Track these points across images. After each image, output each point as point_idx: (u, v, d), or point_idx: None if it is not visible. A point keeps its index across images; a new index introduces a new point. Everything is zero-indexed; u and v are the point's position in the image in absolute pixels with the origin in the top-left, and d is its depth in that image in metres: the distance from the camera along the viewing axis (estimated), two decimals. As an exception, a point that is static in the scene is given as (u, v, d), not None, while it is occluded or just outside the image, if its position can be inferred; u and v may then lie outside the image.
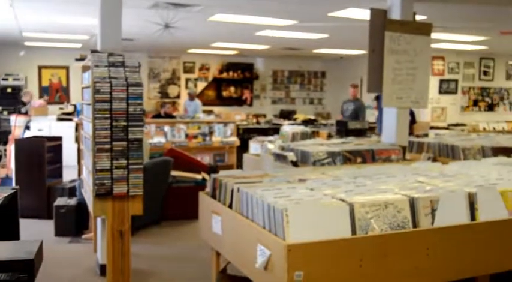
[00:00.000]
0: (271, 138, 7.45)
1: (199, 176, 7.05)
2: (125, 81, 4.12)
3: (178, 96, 14.43)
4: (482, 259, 2.96)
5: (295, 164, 4.90)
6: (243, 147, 9.16)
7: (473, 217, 2.97)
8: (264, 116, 14.10)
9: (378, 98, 8.95)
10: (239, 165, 8.85)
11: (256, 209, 2.83)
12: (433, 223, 2.84)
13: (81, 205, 5.79)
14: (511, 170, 3.82)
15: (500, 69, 13.97)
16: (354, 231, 2.64)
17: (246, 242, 2.88)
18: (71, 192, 6.61)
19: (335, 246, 2.54)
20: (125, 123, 4.09)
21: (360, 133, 7.54)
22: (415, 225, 2.81)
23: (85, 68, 5.03)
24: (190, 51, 13.42)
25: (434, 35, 6.56)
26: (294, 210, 2.54)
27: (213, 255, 3.59)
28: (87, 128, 4.47)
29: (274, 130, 10.55)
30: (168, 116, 10.62)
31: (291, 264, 2.44)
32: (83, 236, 5.91)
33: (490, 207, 3.01)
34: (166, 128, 9.30)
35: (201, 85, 14.72)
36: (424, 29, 5.81)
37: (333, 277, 2.54)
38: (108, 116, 4.06)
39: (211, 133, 9.58)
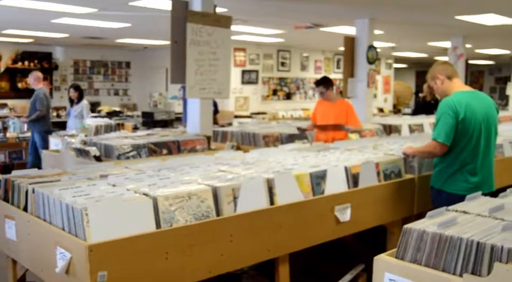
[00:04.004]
0: (73, 132, 7.06)
1: (-9, 177, 6.41)
2: None
3: (-36, 89, 12.97)
4: (282, 240, 3.15)
5: (98, 158, 4.71)
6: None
7: (272, 201, 3.14)
8: (65, 108, 13.33)
9: (184, 89, 8.98)
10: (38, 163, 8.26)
11: (54, 210, 2.65)
12: (235, 210, 2.94)
13: None
14: (305, 155, 4.12)
15: (296, 61, 15.04)
16: (158, 225, 2.61)
17: (44, 247, 2.68)
18: None
19: (139, 241, 2.48)
20: None
21: (166, 124, 7.54)
22: (218, 213, 2.87)
23: None
24: (-23, 38, 12.13)
25: (234, 28, 6.81)
26: (94, 208, 2.42)
27: (8, 263, 3.29)
28: None
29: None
30: (-47, 111, 9.51)
31: (94, 265, 2.33)
32: None
33: (286, 191, 3.21)
34: (-49, 125, 8.32)
35: (-8, 76, 13.41)
36: (224, 22, 5.99)
37: (139, 273, 2.49)
38: None
39: (5, 129, 8.81)
